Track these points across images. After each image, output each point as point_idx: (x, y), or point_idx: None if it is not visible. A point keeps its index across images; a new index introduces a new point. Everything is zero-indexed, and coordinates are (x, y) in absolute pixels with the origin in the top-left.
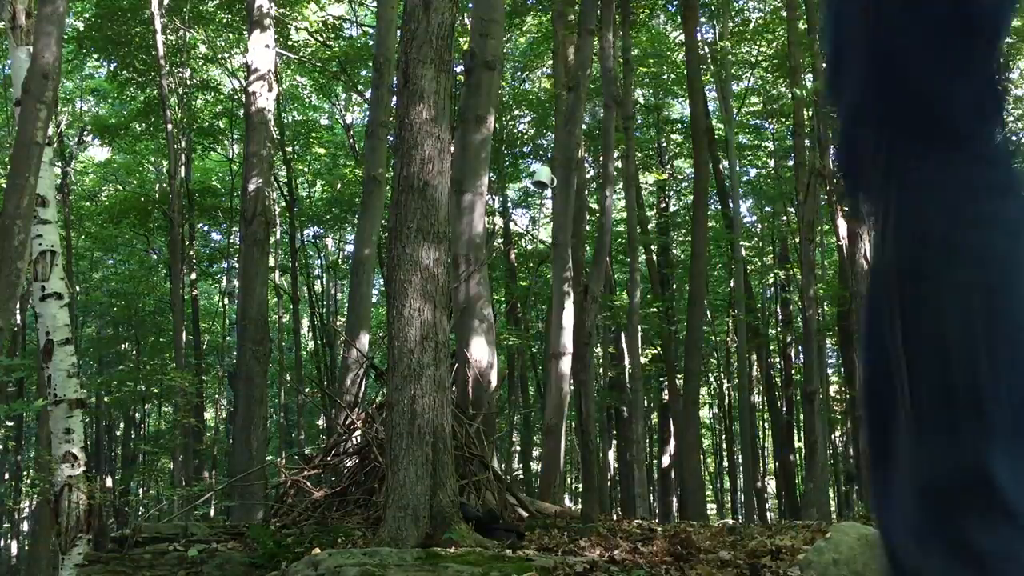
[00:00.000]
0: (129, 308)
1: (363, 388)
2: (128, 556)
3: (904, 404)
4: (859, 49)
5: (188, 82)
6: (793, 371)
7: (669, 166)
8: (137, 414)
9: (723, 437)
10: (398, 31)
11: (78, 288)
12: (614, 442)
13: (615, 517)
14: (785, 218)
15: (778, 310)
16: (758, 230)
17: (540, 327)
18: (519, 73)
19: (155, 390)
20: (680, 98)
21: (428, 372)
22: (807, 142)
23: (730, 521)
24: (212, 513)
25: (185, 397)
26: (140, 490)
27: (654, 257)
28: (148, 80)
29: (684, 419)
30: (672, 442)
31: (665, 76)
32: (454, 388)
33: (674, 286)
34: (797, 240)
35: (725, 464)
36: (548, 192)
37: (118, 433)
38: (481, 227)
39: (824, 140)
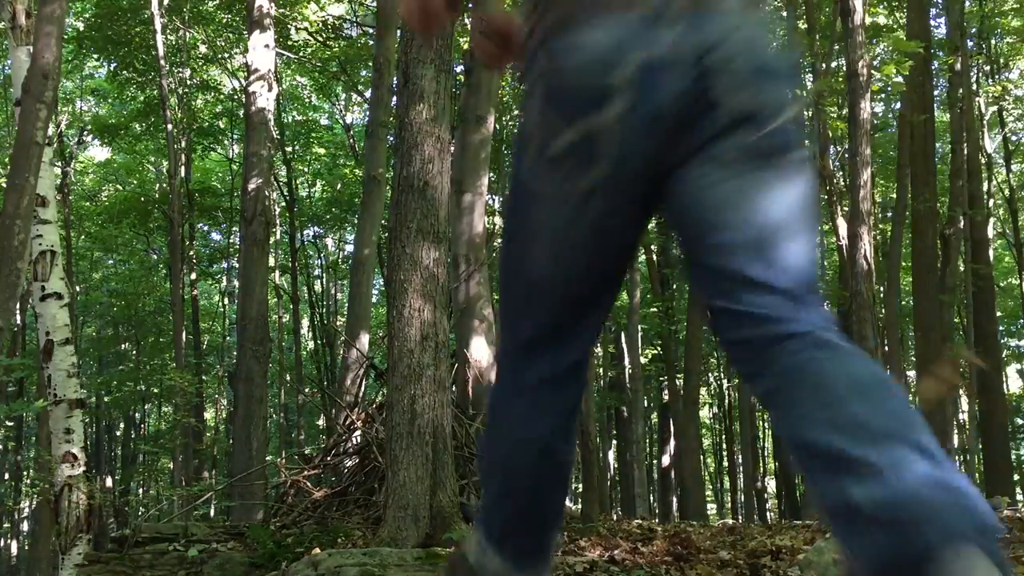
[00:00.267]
0: (129, 308)
1: (363, 388)
2: (128, 556)
3: None
4: None
5: (188, 82)
6: None
7: None
8: (137, 414)
9: (723, 437)
10: (398, 31)
11: (78, 288)
12: (614, 442)
13: (615, 517)
14: None
15: None
16: None
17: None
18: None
19: (155, 390)
20: None
21: (428, 372)
22: (807, 142)
23: (730, 521)
24: (212, 513)
25: (185, 397)
26: (140, 490)
27: (654, 257)
28: (148, 80)
29: (684, 419)
30: (672, 442)
31: None
32: (454, 388)
33: (674, 286)
34: None
35: (725, 464)
36: None
37: (118, 433)
38: (481, 227)
39: (824, 140)
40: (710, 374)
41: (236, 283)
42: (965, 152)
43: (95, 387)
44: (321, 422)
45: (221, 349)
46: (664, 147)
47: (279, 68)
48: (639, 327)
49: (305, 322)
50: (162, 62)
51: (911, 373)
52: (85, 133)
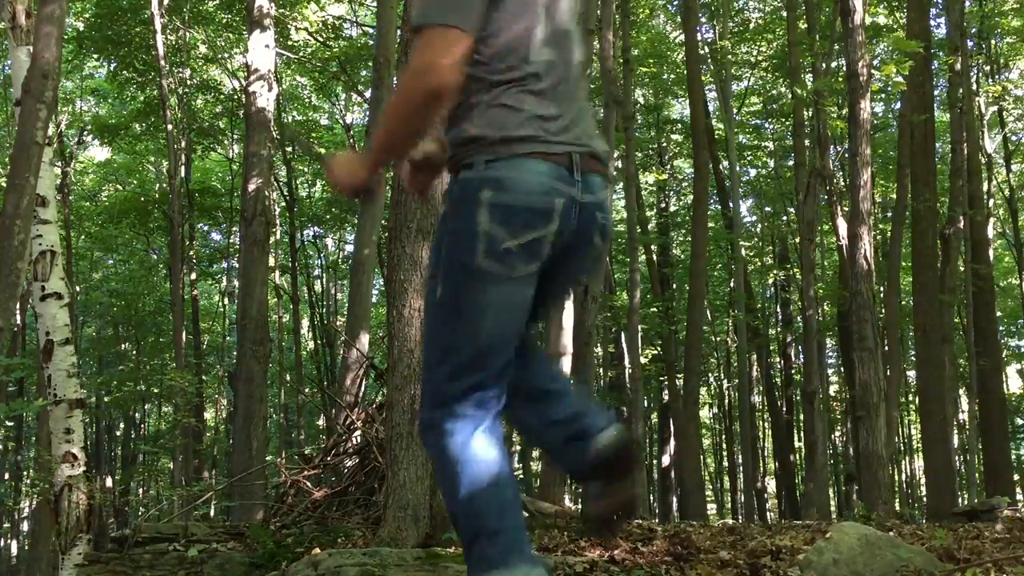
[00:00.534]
0: (129, 308)
1: (363, 388)
2: (128, 556)
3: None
4: None
5: (188, 82)
6: (793, 371)
7: (669, 166)
8: (137, 414)
9: (723, 437)
10: (398, 31)
11: (78, 288)
12: None
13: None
14: (785, 218)
15: (778, 310)
16: (758, 230)
17: (540, 327)
18: None
19: (155, 390)
20: (680, 98)
21: None
22: (807, 142)
23: (730, 521)
24: (212, 513)
25: (185, 397)
26: (140, 490)
27: (654, 257)
28: (148, 80)
29: (684, 419)
30: (672, 442)
31: (665, 76)
32: None
33: (674, 286)
34: (797, 240)
35: (725, 464)
36: None
37: (118, 433)
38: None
39: (824, 140)
40: (710, 374)
41: (236, 283)
42: (965, 152)
43: (95, 387)
44: (321, 422)
45: (221, 349)
46: (558, 255)
47: (279, 68)
48: (639, 327)
49: (305, 322)
50: (162, 62)
51: (911, 373)
52: (85, 133)
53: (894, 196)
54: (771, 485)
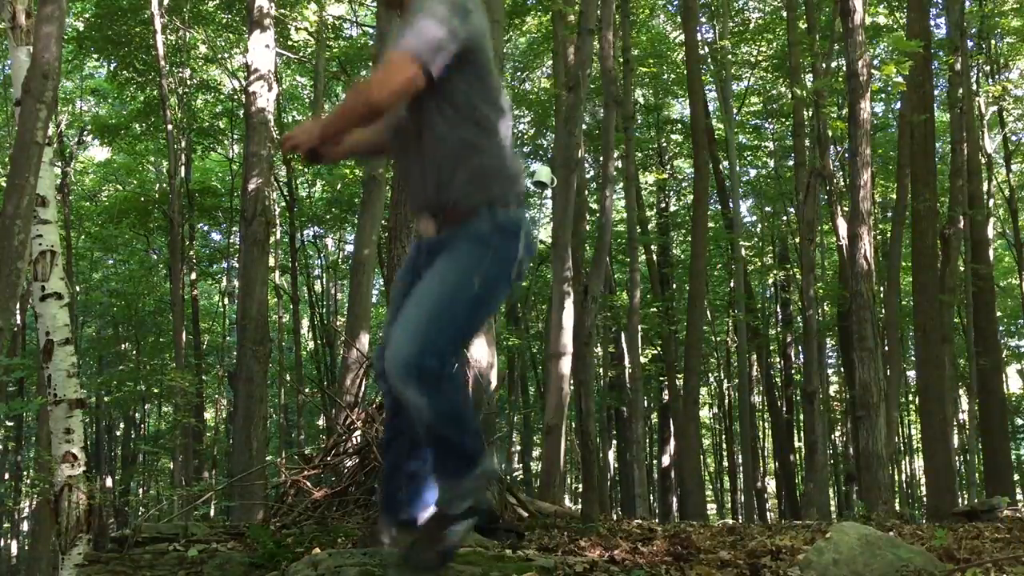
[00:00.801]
0: (129, 308)
1: (363, 388)
2: (128, 556)
3: None
4: None
5: (188, 82)
6: (793, 371)
7: (669, 166)
8: (137, 414)
9: (723, 437)
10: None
11: (78, 288)
12: (614, 442)
13: (615, 517)
14: (785, 218)
15: (778, 310)
16: (758, 230)
17: (540, 327)
18: (519, 73)
19: (155, 390)
20: (680, 98)
21: None
22: (807, 142)
23: (730, 521)
24: (212, 513)
25: (185, 397)
26: (140, 490)
27: (654, 257)
28: (148, 80)
29: (684, 418)
30: (672, 442)
31: (665, 76)
32: None
33: (674, 286)
34: (797, 240)
35: (725, 464)
36: (548, 192)
37: (118, 433)
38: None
39: (824, 140)
40: (710, 374)
41: (236, 283)
42: (965, 152)
43: (95, 387)
44: (321, 422)
45: (221, 349)
46: None
47: (279, 68)
48: (639, 327)
49: (305, 322)
50: (162, 62)
51: (911, 373)
52: (85, 133)
53: (894, 196)
54: (771, 485)
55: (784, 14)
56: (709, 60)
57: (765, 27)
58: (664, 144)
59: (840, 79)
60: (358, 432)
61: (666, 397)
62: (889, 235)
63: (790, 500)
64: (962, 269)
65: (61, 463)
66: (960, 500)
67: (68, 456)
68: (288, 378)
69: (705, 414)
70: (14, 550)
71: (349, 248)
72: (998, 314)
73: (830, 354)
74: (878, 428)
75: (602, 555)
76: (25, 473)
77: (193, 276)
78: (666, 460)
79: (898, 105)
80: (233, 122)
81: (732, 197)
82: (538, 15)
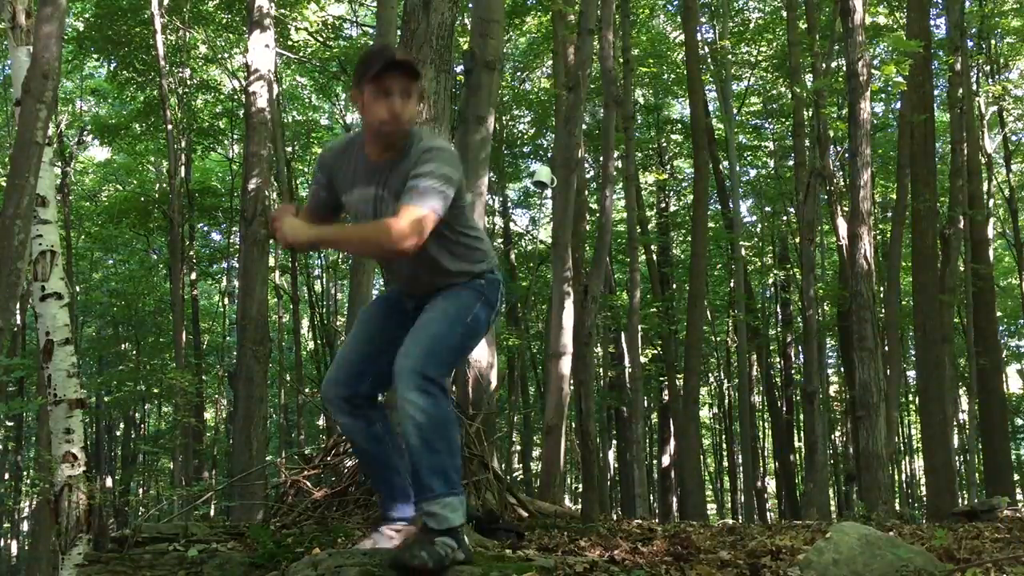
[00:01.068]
0: (129, 308)
1: None
2: (128, 556)
3: None
4: None
5: (188, 82)
6: (793, 371)
7: (669, 166)
8: (137, 414)
9: (723, 437)
10: (398, 31)
11: (78, 288)
12: (614, 442)
13: (615, 517)
14: (785, 218)
15: (778, 310)
16: (758, 230)
17: (540, 327)
18: (519, 73)
19: (155, 390)
20: (680, 98)
21: None
22: (807, 142)
23: (730, 521)
24: (212, 513)
25: (185, 397)
26: (140, 490)
27: (654, 257)
28: (148, 80)
29: (684, 419)
30: (672, 442)
31: (665, 76)
32: (454, 388)
33: (674, 286)
34: (797, 240)
35: (725, 464)
36: (548, 192)
37: (118, 433)
38: (481, 227)
39: (824, 140)
40: (710, 374)
41: (236, 283)
42: (965, 152)
43: (95, 387)
44: (321, 422)
45: (221, 349)
46: None
47: (279, 68)
48: (639, 327)
49: (305, 322)
50: (162, 62)
51: (911, 373)
52: (85, 133)
53: (894, 196)
54: (771, 485)
55: (784, 14)
56: (709, 60)
57: (765, 27)
58: (664, 144)
59: (840, 79)
60: None
61: (666, 397)
62: (889, 235)
63: (790, 500)
64: (962, 269)
65: (61, 463)
66: (960, 500)
67: (68, 456)
68: (288, 378)
69: (705, 414)
70: (14, 550)
71: None
72: (998, 314)
73: (830, 354)
74: (878, 428)
75: (602, 555)
76: (25, 473)
77: (193, 276)
78: (666, 460)
79: (898, 105)
80: (233, 122)
81: (732, 197)
82: (538, 15)
